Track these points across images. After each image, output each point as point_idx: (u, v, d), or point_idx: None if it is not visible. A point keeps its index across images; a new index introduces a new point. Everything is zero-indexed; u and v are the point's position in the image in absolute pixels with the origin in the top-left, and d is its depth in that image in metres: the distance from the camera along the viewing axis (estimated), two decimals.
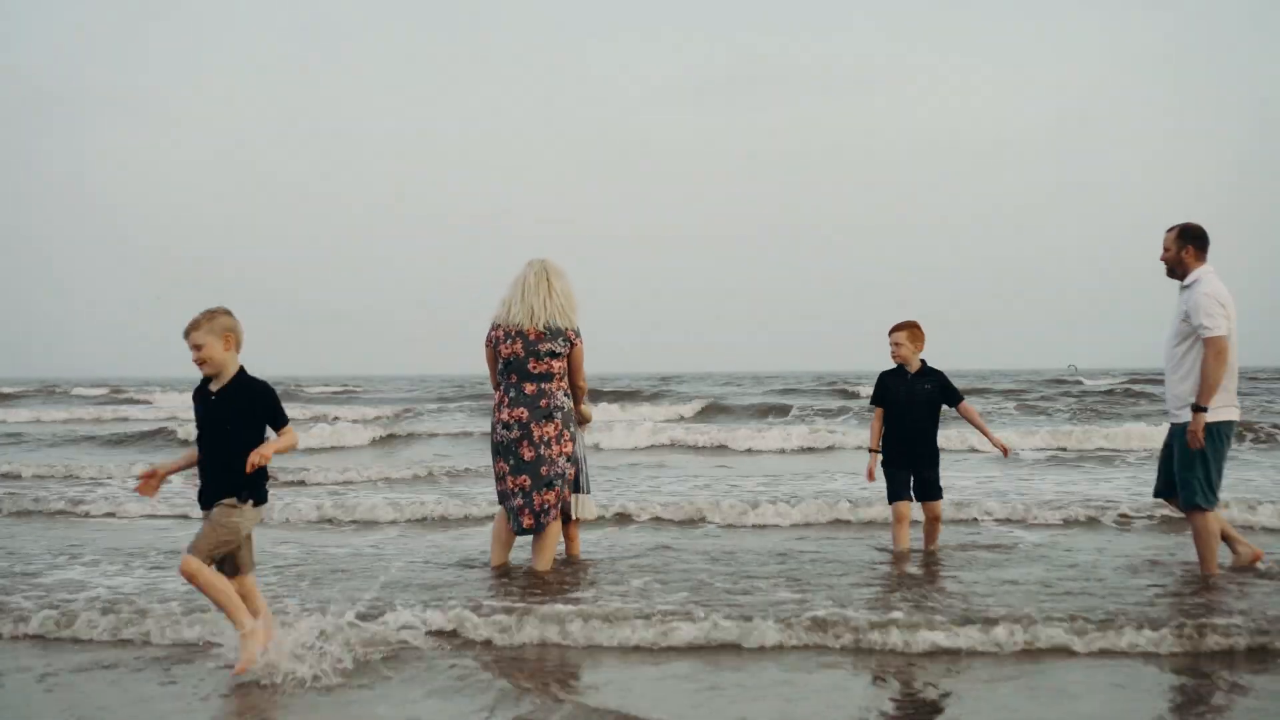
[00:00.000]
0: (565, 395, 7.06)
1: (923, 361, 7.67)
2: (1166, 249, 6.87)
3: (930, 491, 7.62)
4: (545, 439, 6.96)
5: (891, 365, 7.73)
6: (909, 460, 7.59)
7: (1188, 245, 6.80)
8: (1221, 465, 6.77)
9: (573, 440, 7.07)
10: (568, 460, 7.03)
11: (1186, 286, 6.79)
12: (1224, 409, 6.67)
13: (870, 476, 7.66)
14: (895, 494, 7.62)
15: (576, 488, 7.41)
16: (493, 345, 7.04)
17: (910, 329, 7.63)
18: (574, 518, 7.49)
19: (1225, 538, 7.09)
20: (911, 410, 7.58)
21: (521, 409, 6.94)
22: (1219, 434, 6.69)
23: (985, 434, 7.78)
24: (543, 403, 6.96)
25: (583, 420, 7.39)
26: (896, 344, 7.62)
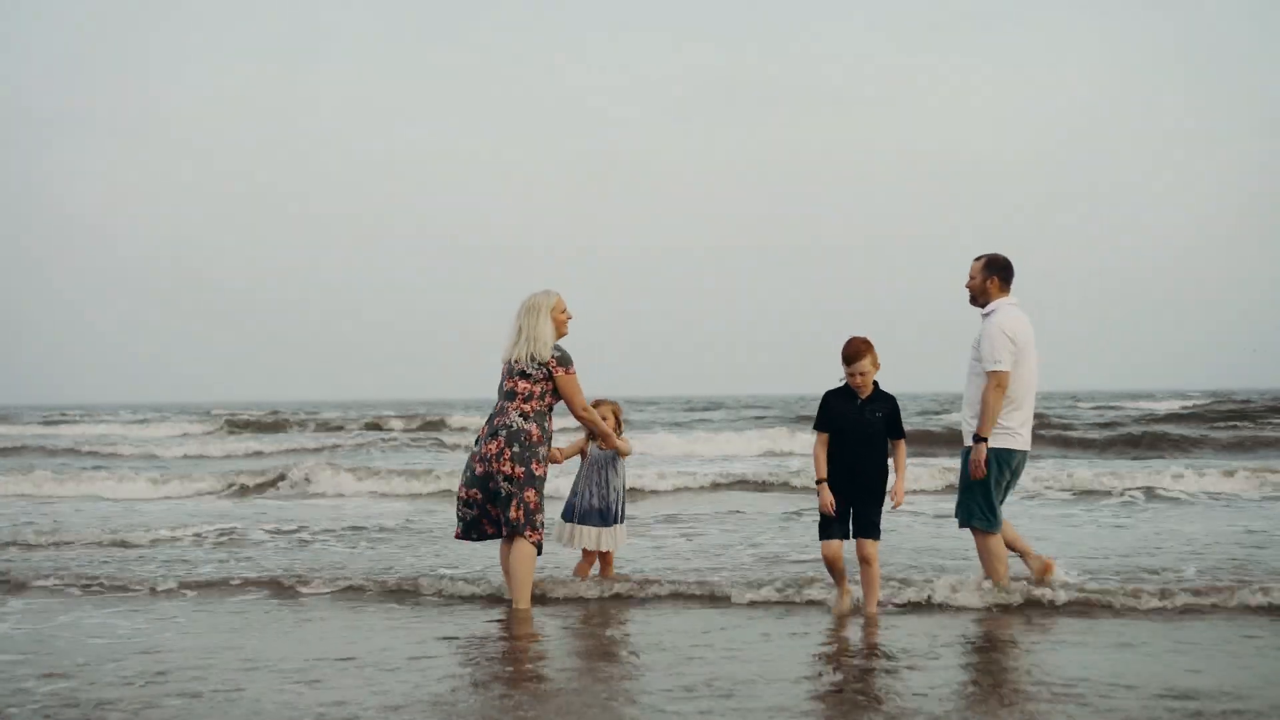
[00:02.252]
0: (521, 417, 7.10)
1: (875, 384, 6.70)
2: (972, 278, 7.12)
3: (864, 529, 6.62)
4: (487, 455, 7.09)
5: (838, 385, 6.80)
6: (849, 492, 6.65)
7: (993, 276, 7.06)
8: (1000, 490, 7.03)
9: (514, 461, 7.02)
10: (506, 480, 7.03)
11: (985, 315, 7.06)
12: (1003, 436, 6.96)
13: (831, 509, 6.65)
14: (826, 530, 6.68)
15: (605, 520, 7.66)
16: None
17: (872, 352, 6.62)
18: (603, 550, 7.72)
19: (1018, 551, 7.35)
20: (861, 439, 6.63)
21: (485, 425, 7.24)
22: (996, 460, 6.97)
23: (899, 477, 6.78)
24: (495, 420, 7.14)
25: (621, 452, 7.68)
26: (863, 373, 6.60)
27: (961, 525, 7.18)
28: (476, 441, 7.26)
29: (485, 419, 7.32)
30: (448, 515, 11.28)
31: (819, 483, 6.68)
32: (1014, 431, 7.00)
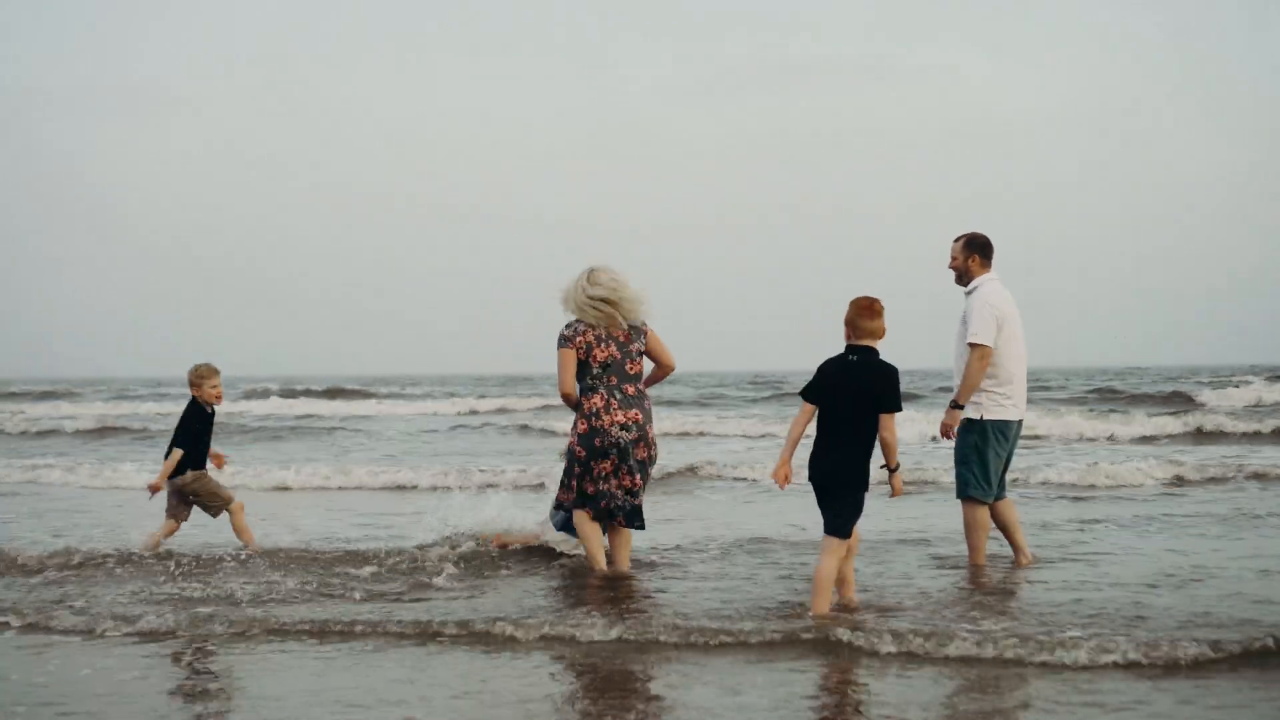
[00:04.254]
0: None
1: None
2: (954, 258, 7.26)
3: None
4: (653, 440, 7.19)
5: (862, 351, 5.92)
6: None
7: (973, 254, 7.21)
8: (998, 462, 7.14)
9: None
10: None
11: (969, 293, 7.21)
12: (997, 408, 7.10)
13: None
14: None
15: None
16: (583, 349, 7.03)
17: None
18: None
19: (1011, 540, 7.43)
20: None
21: (635, 410, 7.09)
22: (993, 431, 7.09)
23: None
24: (647, 403, 7.17)
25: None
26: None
27: (959, 497, 7.28)
28: (625, 428, 7.06)
29: (611, 406, 7.04)
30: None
31: (897, 469, 5.93)
32: (1010, 403, 7.14)
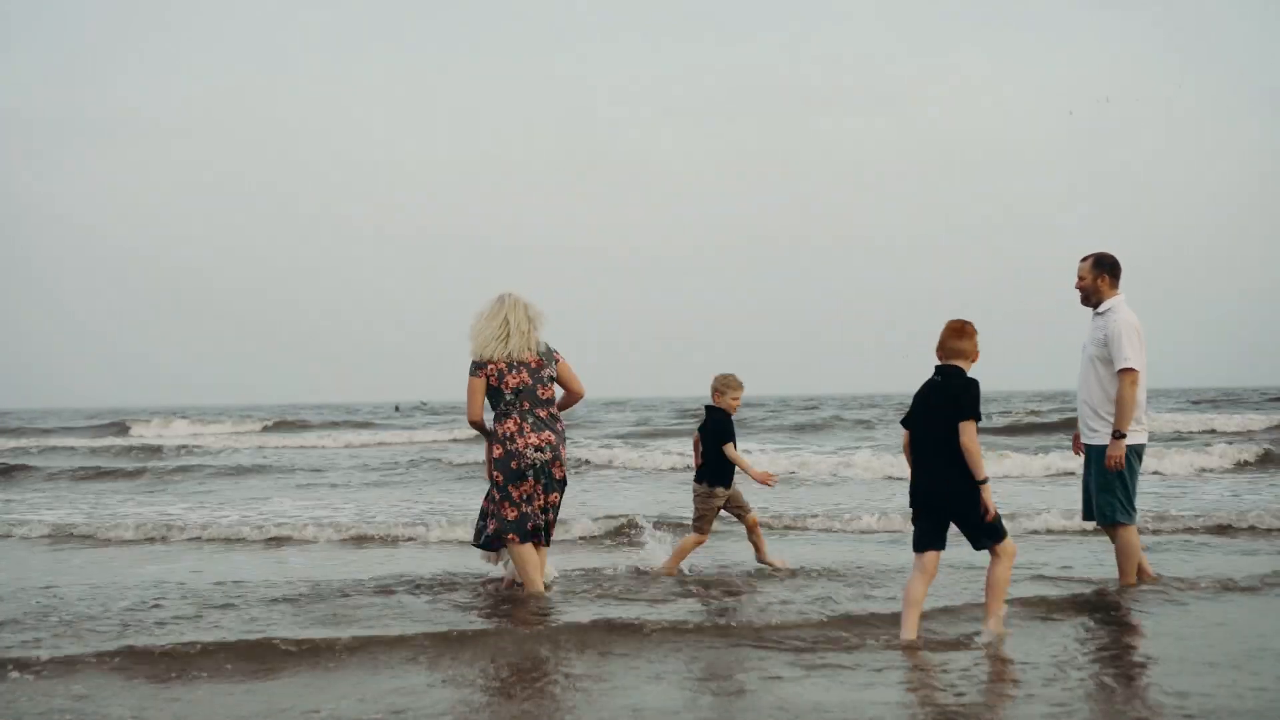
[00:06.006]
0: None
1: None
2: (1082, 278, 7.18)
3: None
4: (565, 460, 7.50)
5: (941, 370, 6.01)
6: None
7: (1104, 274, 7.14)
8: (1136, 483, 7.14)
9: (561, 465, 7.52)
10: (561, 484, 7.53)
11: (1101, 313, 7.15)
12: (1136, 432, 7.06)
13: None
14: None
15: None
16: (494, 376, 7.30)
17: None
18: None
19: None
20: None
21: (548, 432, 7.39)
22: (1133, 454, 7.07)
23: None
24: (560, 426, 7.49)
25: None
26: None
27: (1102, 523, 7.20)
28: (539, 449, 7.33)
29: (525, 429, 7.32)
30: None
31: (985, 482, 5.78)
32: (1144, 425, 7.17)
